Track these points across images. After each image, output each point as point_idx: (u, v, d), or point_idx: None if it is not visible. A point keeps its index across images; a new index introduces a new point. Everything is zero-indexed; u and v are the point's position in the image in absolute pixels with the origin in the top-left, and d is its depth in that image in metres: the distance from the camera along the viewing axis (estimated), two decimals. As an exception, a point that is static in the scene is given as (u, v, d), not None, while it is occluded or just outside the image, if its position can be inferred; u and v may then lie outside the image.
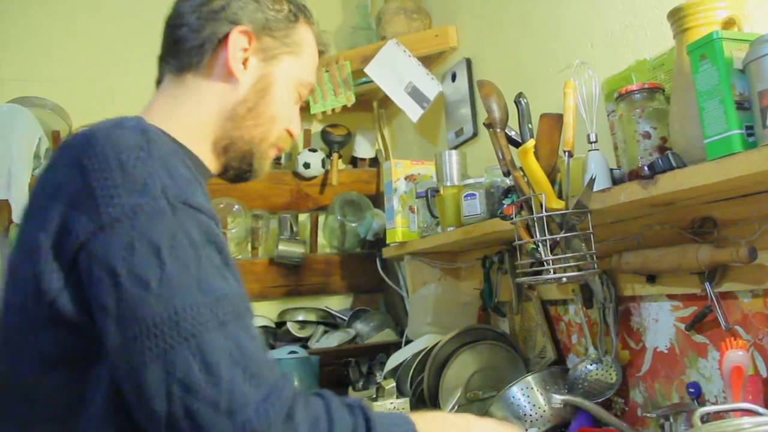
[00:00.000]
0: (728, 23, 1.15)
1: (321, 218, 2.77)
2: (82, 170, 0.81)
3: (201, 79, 1.04)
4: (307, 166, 2.66)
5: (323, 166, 2.70)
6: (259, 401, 0.75)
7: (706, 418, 1.01)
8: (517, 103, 1.47)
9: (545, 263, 1.33)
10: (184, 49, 1.04)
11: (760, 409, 0.94)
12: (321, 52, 1.16)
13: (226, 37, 1.02)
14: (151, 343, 0.74)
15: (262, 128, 1.06)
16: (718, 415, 1.11)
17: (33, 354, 0.84)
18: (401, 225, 2.23)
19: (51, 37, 2.65)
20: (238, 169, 1.09)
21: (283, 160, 2.73)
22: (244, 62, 1.04)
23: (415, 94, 2.36)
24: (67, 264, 0.80)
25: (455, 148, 2.32)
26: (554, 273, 1.33)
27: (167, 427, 0.73)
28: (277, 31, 1.05)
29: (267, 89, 1.05)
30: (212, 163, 1.07)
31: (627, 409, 1.64)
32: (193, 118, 1.03)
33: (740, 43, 1.05)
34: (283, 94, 1.07)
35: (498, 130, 1.46)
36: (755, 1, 1.22)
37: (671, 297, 1.50)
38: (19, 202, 2.28)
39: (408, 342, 2.24)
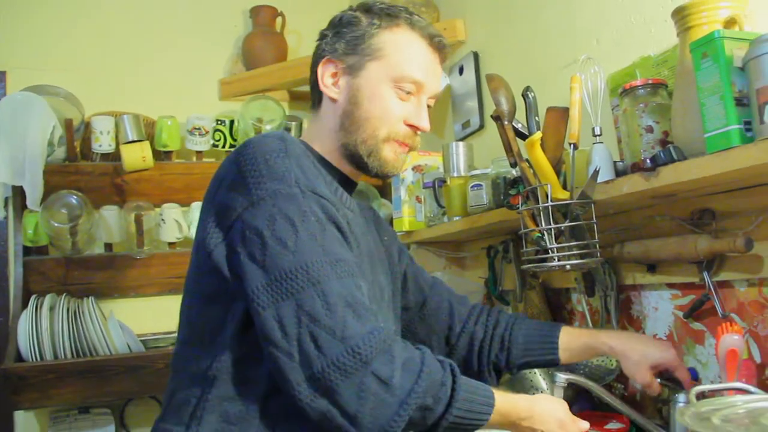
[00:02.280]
0: (730, 22, 1.20)
1: (328, 207, 2.82)
2: (239, 165, 1.08)
3: (321, 109, 1.28)
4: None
5: (331, 156, 2.75)
6: (364, 334, 0.97)
7: (701, 397, 1.06)
8: (524, 96, 1.51)
9: (550, 251, 1.38)
10: (311, 93, 1.30)
11: (752, 388, 0.99)
12: (434, 43, 1.26)
13: (316, 72, 1.26)
14: (289, 284, 0.99)
15: (363, 128, 1.22)
16: (712, 394, 1.16)
17: (198, 294, 1.14)
18: (408, 215, 2.28)
19: (64, 27, 2.70)
20: (363, 168, 1.26)
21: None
22: (335, 84, 1.25)
23: (423, 86, 2.41)
24: (225, 229, 1.07)
25: (462, 139, 2.37)
26: (558, 261, 1.38)
27: (297, 346, 0.97)
28: (356, 47, 1.23)
29: (356, 96, 1.22)
30: (348, 170, 1.27)
31: (626, 394, 1.69)
32: (325, 140, 1.26)
33: (740, 42, 1.10)
34: (375, 95, 1.22)
35: (506, 122, 1.51)
36: (756, 1, 1.27)
37: (670, 286, 1.55)
38: (33, 188, 2.32)
39: (413, 329, 2.29)
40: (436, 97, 1.30)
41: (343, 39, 1.24)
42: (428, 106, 1.28)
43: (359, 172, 1.29)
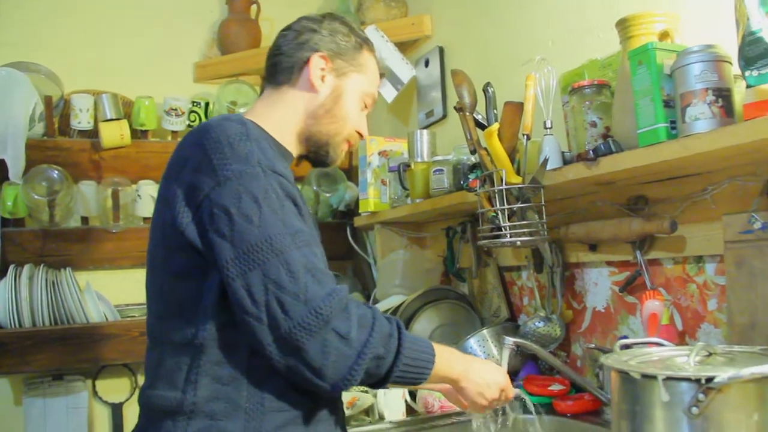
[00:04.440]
0: (664, 35, 1.39)
1: (297, 188, 2.96)
2: (203, 148, 1.18)
3: (292, 90, 1.39)
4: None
5: (301, 139, 2.90)
6: (324, 296, 1.09)
7: (624, 349, 1.25)
8: (485, 91, 1.69)
9: (503, 229, 1.56)
10: (280, 69, 1.40)
11: (666, 342, 1.19)
12: (381, 75, 1.50)
13: (309, 60, 1.38)
14: (255, 256, 1.09)
15: (335, 125, 1.40)
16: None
17: (169, 270, 1.21)
18: (373, 196, 2.44)
19: (45, 5, 2.77)
20: (316, 155, 1.43)
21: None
22: (323, 78, 1.38)
23: (391, 77, 2.57)
24: (194, 208, 1.16)
25: (425, 128, 2.54)
26: (510, 237, 1.56)
27: (266, 311, 1.09)
28: (346, 55, 1.41)
29: (339, 97, 1.40)
30: (296, 150, 1.41)
31: (568, 361, 1.89)
32: (284, 117, 1.38)
33: (670, 53, 1.29)
34: (352, 101, 1.42)
35: (467, 113, 1.68)
36: (687, 18, 1.46)
37: (609, 263, 1.75)
38: (15, 162, 2.42)
39: (375, 303, 2.46)
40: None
41: (338, 43, 1.40)
42: None
43: (302, 153, 1.43)
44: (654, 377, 0.92)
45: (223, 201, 1.13)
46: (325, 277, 1.13)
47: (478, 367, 1.32)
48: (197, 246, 1.16)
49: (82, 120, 2.63)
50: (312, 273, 1.11)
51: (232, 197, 1.12)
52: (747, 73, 1.14)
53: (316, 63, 1.38)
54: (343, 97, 1.40)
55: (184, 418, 1.16)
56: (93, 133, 2.67)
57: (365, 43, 1.45)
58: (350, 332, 1.10)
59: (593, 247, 1.76)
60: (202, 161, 1.17)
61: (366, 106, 1.46)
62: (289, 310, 1.08)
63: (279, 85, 1.41)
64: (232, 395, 1.16)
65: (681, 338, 1.52)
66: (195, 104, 2.79)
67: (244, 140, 1.18)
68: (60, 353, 2.37)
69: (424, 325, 2.06)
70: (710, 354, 1.02)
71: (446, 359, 1.25)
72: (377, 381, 1.18)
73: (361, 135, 1.47)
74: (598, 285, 1.79)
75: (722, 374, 0.87)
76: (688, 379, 0.90)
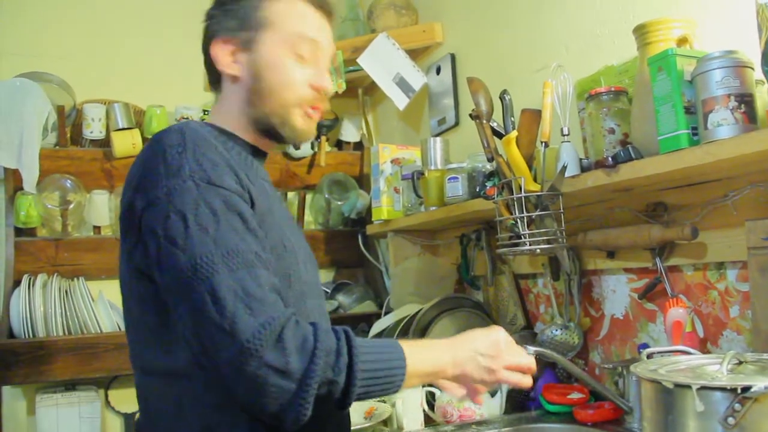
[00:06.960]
0: (682, 41, 1.38)
1: (308, 196, 2.96)
2: (143, 164, 1.09)
3: (224, 89, 1.26)
4: (297, 147, 2.85)
5: (312, 147, 2.90)
6: (255, 327, 0.96)
7: (651, 358, 1.24)
8: (501, 98, 1.68)
9: (522, 237, 1.56)
10: (207, 71, 1.29)
11: (692, 350, 1.18)
12: (317, 3, 1.27)
13: (212, 51, 1.24)
14: (182, 284, 0.99)
15: (270, 100, 1.22)
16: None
17: (133, 296, 1.13)
18: (386, 204, 2.44)
19: (57, 15, 2.78)
20: (278, 137, 1.25)
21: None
22: (235, 62, 1.22)
23: (402, 84, 2.57)
24: (135, 229, 1.08)
25: (437, 135, 2.53)
26: (530, 245, 1.56)
27: (199, 344, 0.99)
28: (246, 22, 1.22)
29: (258, 71, 1.22)
30: (261, 142, 1.27)
31: (586, 369, 1.88)
32: (229, 114, 1.25)
33: (690, 59, 1.28)
34: (275, 65, 1.22)
35: (484, 121, 1.67)
36: (704, 24, 1.45)
37: (627, 270, 1.74)
38: (29, 171, 2.42)
39: (388, 311, 2.45)
40: (332, 58, 1.31)
41: (232, 16, 1.23)
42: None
43: (272, 143, 1.28)
44: (688, 387, 0.92)
45: (152, 223, 1.04)
46: (260, 304, 0.99)
47: (464, 345, 1.17)
48: (145, 272, 1.08)
49: (94, 129, 2.64)
50: (245, 301, 0.98)
51: (160, 218, 1.03)
52: (771, 79, 1.13)
53: (218, 52, 1.23)
54: (262, 68, 1.22)
55: None
56: (105, 143, 2.68)
57: None
58: (288, 364, 0.97)
59: (611, 254, 1.75)
60: (139, 179, 1.08)
61: (305, 57, 1.23)
62: (216, 344, 0.98)
63: (215, 86, 1.29)
64: (227, 422, 1.07)
65: (703, 346, 1.51)
66: (206, 113, 2.79)
67: (180, 152, 1.06)
68: (73, 363, 2.37)
69: (440, 334, 2.05)
70: (740, 362, 1.01)
71: (424, 354, 1.13)
72: (339, 404, 1.04)
73: (319, 88, 1.24)
74: (617, 292, 1.78)
75: (759, 383, 0.86)
76: (723, 389, 0.90)
